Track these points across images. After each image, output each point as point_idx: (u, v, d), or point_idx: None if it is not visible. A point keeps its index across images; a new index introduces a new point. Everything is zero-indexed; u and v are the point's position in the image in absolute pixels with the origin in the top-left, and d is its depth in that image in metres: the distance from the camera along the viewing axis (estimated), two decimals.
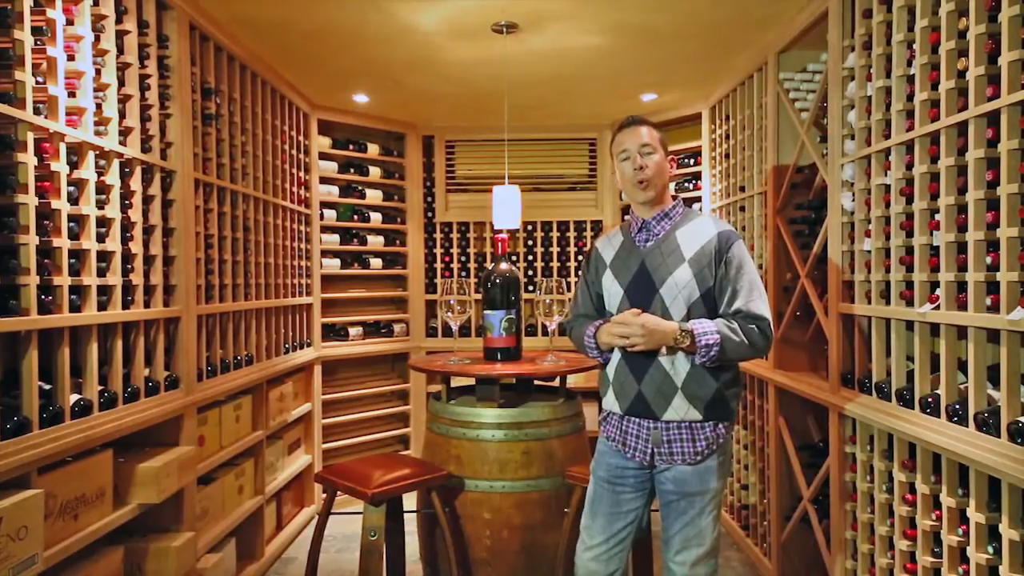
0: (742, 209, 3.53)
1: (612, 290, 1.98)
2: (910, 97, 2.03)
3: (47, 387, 1.89)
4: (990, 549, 1.72)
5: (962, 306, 1.80)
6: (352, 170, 4.44)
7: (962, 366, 1.88)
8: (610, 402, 1.98)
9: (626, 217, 2.09)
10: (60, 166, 1.88)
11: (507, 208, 3.26)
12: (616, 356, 1.95)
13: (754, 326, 1.83)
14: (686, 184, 4.27)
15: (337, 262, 4.35)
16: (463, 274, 4.78)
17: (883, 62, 2.17)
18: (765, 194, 3.19)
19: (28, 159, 1.75)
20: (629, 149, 1.93)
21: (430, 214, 4.80)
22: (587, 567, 1.98)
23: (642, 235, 1.97)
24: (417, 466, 2.58)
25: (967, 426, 1.77)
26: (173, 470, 2.28)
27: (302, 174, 3.98)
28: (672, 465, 1.89)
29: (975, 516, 1.74)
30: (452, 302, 2.85)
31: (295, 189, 3.85)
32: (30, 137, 1.76)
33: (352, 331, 4.39)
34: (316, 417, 4.07)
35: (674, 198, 2.02)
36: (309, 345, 4.06)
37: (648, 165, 1.91)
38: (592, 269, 2.08)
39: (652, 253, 1.93)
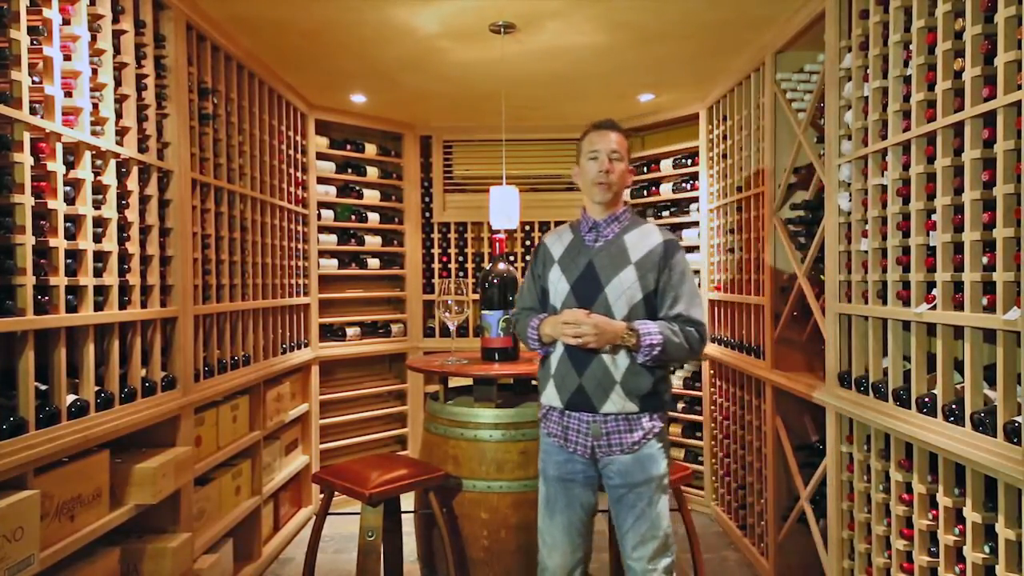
0: (739, 209, 3.54)
1: (559, 285, 2.05)
2: (907, 98, 2.04)
3: (43, 387, 1.89)
4: (987, 549, 1.72)
5: (958, 306, 1.80)
6: (350, 170, 4.43)
7: (958, 366, 1.88)
8: (550, 396, 2.05)
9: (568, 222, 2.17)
10: (56, 166, 1.88)
11: (505, 208, 3.26)
12: (559, 350, 2.02)
13: (692, 329, 1.96)
14: (683, 184, 4.28)
15: (335, 262, 4.34)
16: (461, 274, 4.78)
17: (880, 63, 2.18)
18: (762, 194, 3.19)
19: (24, 159, 1.75)
20: (599, 151, 2.04)
21: (428, 214, 4.80)
22: (555, 563, 2.05)
23: (591, 235, 2.06)
24: (415, 466, 2.58)
25: (963, 426, 1.77)
26: (170, 471, 2.27)
27: (299, 174, 3.98)
28: (612, 456, 1.97)
29: (971, 516, 1.74)
30: (450, 302, 2.85)
31: (292, 189, 3.85)
32: (26, 137, 1.76)
33: (350, 331, 4.39)
34: (313, 417, 4.07)
35: (625, 204, 2.12)
36: (306, 345, 4.06)
37: (614, 171, 2.03)
38: (540, 263, 2.14)
39: (600, 253, 2.02)
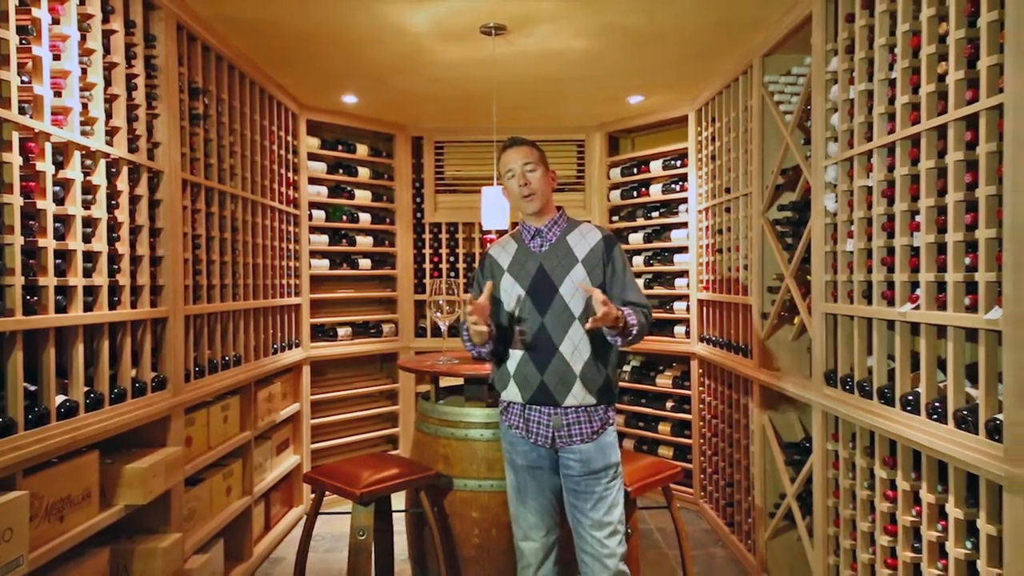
0: (727, 210, 3.56)
1: (513, 292, 2.14)
2: (892, 100, 2.05)
3: (32, 388, 1.88)
4: (968, 544, 1.74)
5: (941, 306, 1.82)
6: (341, 171, 4.42)
7: (941, 365, 1.90)
8: (512, 393, 2.14)
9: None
10: (46, 166, 1.86)
11: (496, 209, 3.27)
12: (519, 352, 2.11)
13: (644, 311, 2.10)
14: (673, 185, 4.29)
15: (326, 262, 4.33)
16: (452, 275, 4.78)
17: (865, 66, 2.19)
18: (750, 195, 3.21)
19: (13, 159, 1.74)
20: (514, 168, 2.14)
21: (419, 215, 4.79)
22: (532, 548, 2.13)
23: (536, 241, 2.17)
24: (405, 466, 2.57)
25: (946, 424, 1.79)
26: (160, 471, 2.26)
27: (291, 174, 3.96)
28: (573, 444, 2.07)
29: (954, 512, 1.76)
30: (441, 302, 2.85)
31: (284, 189, 3.83)
32: (15, 137, 1.74)
33: (341, 331, 4.37)
34: (305, 417, 4.06)
35: (558, 208, 2.22)
36: (298, 345, 4.04)
37: (531, 180, 2.13)
38: (488, 275, 2.22)
39: (548, 256, 2.13)
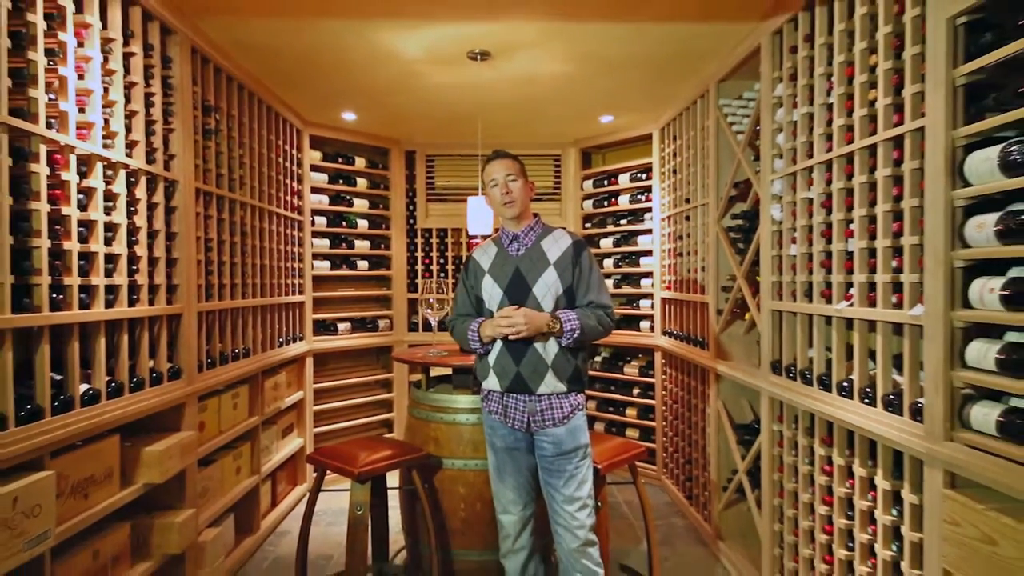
0: (687, 218, 3.60)
1: (492, 292, 2.14)
2: (829, 123, 2.10)
3: (58, 378, 1.86)
4: (894, 512, 1.79)
5: (872, 303, 1.87)
6: (341, 181, 4.40)
7: (872, 355, 1.95)
8: (492, 383, 2.14)
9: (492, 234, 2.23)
10: (70, 176, 1.85)
11: (481, 216, 3.28)
12: (498, 345, 2.11)
13: (602, 312, 2.10)
14: (639, 196, 4.33)
15: (327, 264, 4.31)
16: (442, 275, 4.78)
17: (807, 92, 2.24)
18: (707, 205, 3.25)
19: (41, 169, 1.72)
20: (497, 178, 2.14)
21: (412, 221, 4.79)
22: (511, 520, 2.15)
23: (514, 246, 2.17)
24: (399, 447, 2.58)
25: (876, 407, 1.84)
26: (175, 453, 2.25)
27: (295, 184, 3.94)
28: (546, 428, 2.07)
29: (882, 484, 1.81)
30: (431, 300, 2.86)
31: (288, 198, 3.81)
32: (43, 149, 1.73)
33: (341, 326, 4.36)
34: (308, 404, 4.04)
35: (535, 215, 2.23)
36: (301, 339, 4.02)
37: (513, 190, 2.13)
38: (471, 276, 2.23)
39: (524, 259, 2.14)
